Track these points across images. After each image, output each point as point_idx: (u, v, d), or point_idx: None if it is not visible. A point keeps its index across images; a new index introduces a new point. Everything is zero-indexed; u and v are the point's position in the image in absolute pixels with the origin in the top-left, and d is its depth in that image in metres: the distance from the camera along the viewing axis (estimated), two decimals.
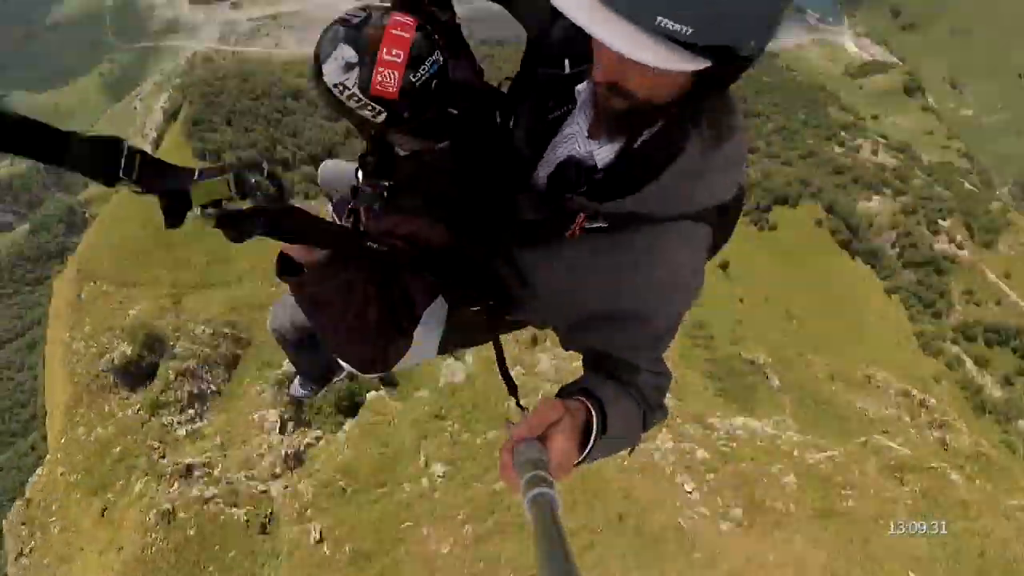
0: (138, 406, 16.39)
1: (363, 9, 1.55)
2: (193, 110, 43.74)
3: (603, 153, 1.37)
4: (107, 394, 17.75)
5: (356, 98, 1.49)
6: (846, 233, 35.47)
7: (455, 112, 1.60)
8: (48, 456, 17.55)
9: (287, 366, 18.40)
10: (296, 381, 3.31)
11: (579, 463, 1.25)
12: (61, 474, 15.19)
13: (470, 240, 1.58)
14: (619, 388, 1.42)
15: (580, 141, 1.40)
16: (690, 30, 0.98)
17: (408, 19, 1.49)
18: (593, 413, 1.27)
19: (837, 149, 56.66)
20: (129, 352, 18.32)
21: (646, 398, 1.47)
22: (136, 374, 18.03)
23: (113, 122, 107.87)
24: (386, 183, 1.65)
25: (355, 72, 1.47)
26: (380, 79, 1.47)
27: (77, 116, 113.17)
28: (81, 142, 0.96)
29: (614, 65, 1.17)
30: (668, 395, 1.49)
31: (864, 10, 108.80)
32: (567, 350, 1.59)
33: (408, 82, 1.48)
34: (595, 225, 1.34)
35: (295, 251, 1.39)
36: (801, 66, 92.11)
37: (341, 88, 1.49)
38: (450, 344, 1.93)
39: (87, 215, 75.66)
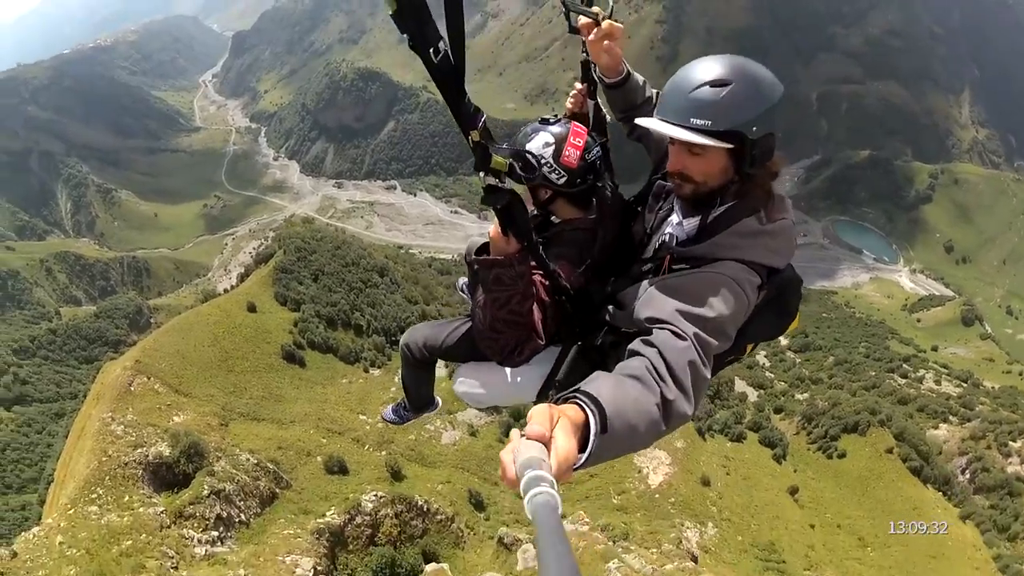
0: (162, 508, 16.29)
1: (555, 116, 2.54)
2: (285, 259, 47.07)
3: (688, 225, 2.18)
4: (131, 485, 17.79)
5: (549, 165, 2.40)
6: (917, 460, 34.65)
7: (606, 191, 2.59)
8: (48, 520, 17.15)
9: (329, 516, 18.25)
10: (390, 408, 3.98)
11: (584, 464, 1.33)
12: (60, 543, 14.89)
13: (598, 282, 2.40)
14: (625, 376, 1.60)
15: (675, 226, 2.24)
16: (709, 123, 1.90)
17: (582, 127, 2.51)
18: (589, 413, 1.38)
19: (900, 380, 56.41)
20: (167, 453, 18.61)
21: (667, 362, 1.65)
22: (166, 477, 18.14)
23: (202, 249, 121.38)
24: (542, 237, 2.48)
25: (551, 148, 2.40)
26: (567, 153, 2.40)
27: (171, 232, 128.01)
28: (477, 111, 1.70)
29: (677, 157, 2.08)
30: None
31: (919, 248, 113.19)
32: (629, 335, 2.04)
33: (583, 159, 2.41)
34: (677, 267, 2.05)
35: (499, 242, 2.16)
36: (859, 303, 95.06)
37: (539, 157, 2.39)
38: (549, 388, 2.55)
39: (152, 320, 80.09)
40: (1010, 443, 40.00)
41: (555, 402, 1.39)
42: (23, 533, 16.57)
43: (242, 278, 53.47)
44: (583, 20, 2.40)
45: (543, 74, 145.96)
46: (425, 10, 1.38)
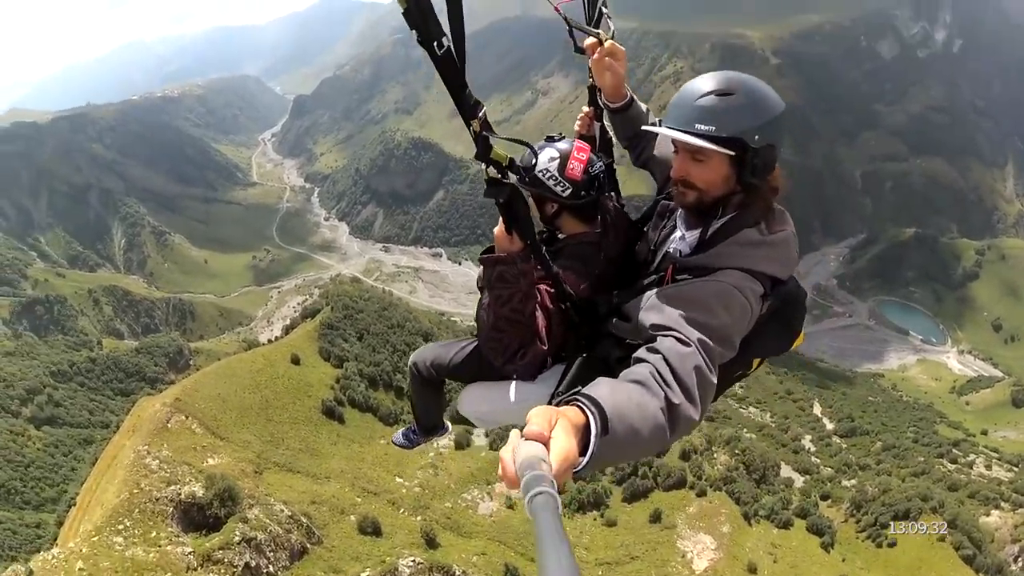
0: (191, 550, 15.84)
1: (560, 135, 2.67)
2: (332, 316, 47.91)
3: (690, 238, 2.24)
4: (159, 521, 17.46)
5: (555, 178, 2.52)
6: (970, 548, 32.48)
7: (610, 206, 2.70)
8: (70, 544, 16.80)
9: None
10: (400, 432, 4.03)
11: (587, 466, 1.32)
12: (80, 569, 14.51)
13: (604, 295, 2.45)
14: (630, 381, 1.60)
15: (678, 240, 2.30)
16: (713, 128, 1.99)
17: (585, 143, 2.64)
18: (589, 414, 1.37)
19: (950, 466, 54.26)
20: (200, 494, 18.28)
21: (672, 367, 1.66)
22: (196, 518, 17.78)
23: (247, 299, 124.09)
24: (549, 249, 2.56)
25: (556, 162, 2.53)
26: (571, 166, 2.52)
27: (219, 279, 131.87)
28: (477, 104, 1.84)
29: (681, 164, 2.15)
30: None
31: (967, 328, 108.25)
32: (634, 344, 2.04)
33: (586, 172, 2.54)
34: (680, 277, 2.10)
35: (503, 241, 2.26)
36: (907, 386, 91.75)
37: (545, 171, 2.52)
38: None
39: (191, 361, 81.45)
40: None
41: (556, 404, 1.38)
42: (42, 553, 16.30)
43: (287, 330, 54.35)
44: (588, 41, 2.49)
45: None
46: (430, 9, 1.50)
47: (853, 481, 45.79)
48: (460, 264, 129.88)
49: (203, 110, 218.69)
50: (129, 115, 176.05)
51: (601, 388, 1.49)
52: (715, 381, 1.76)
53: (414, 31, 1.53)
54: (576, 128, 2.99)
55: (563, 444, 1.17)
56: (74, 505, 36.02)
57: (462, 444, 35.02)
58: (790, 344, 2.40)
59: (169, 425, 28.77)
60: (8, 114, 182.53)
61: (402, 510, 26.38)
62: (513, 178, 2.17)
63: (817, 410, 72.55)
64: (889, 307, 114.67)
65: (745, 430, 50.18)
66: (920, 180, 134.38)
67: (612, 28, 2.56)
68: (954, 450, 60.04)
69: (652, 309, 1.97)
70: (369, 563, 19.64)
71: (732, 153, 2.02)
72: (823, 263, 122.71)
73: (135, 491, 18.92)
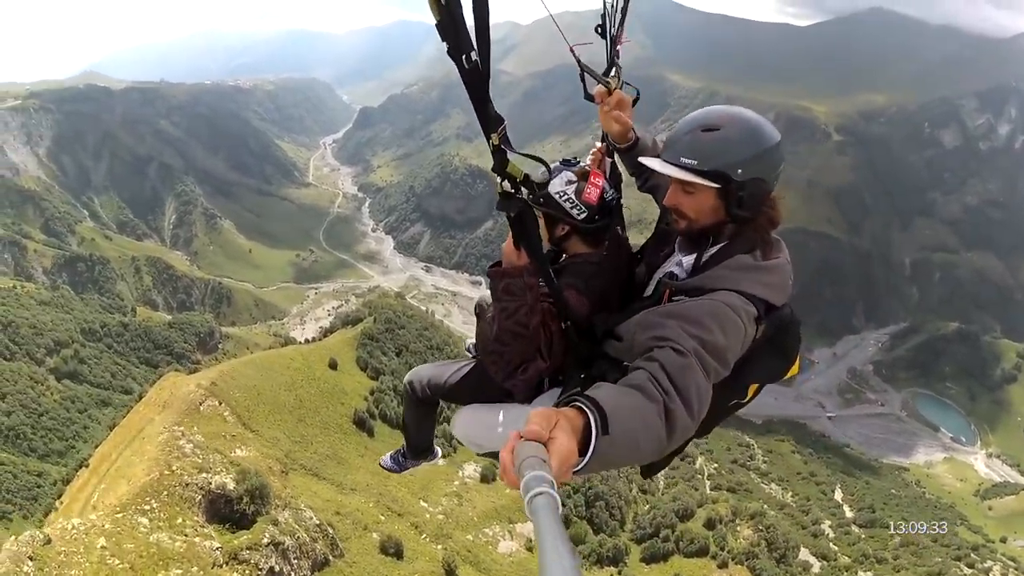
0: (218, 545, 15.55)
1: (575, 158, 2.75)
2: (374, 327, 48.22)
3: (686, 262, 2.30)
4: (186, 508, 17.21)
5: (571, 201, 2.58)
6: None
7: (619, 232, 2.72)
8: (91, 516, 16.58)
9: None
10: (388, 455, 3.95)
11: (586, 466, 1.32)
12: (102, 547, 14.25)
13: (603, 310, 2.46)
14: (628, 387, 1.61)
15: (674, 265, 2.35)
16: (696, 162, 2.08)
17: (600, 171, 2.70)
18: (589, 414, 1.37)
19: (966, 570, 52.64)
20: (231, 487, 18.04)
21: (669, 375, 1.66)
22: (222, 511, 17.50)
23: (284, 294, 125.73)
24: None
25: (573, 185, 2.60)
26: (588, 191, 2.58)
27: (260, 271, 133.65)
28: (499, 118, 1.83)
29: (672, 194, 2.25)
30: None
31: (999, 431, 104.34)
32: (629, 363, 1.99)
33: (601, 198, 2.59)
34: (676, 298, 2.12)
35: (511, 255, 2.28)
36: (930, 483, 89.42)
37: (562, 194, 2.59)
38: None
39: (220, 344, 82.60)
40: None
41: (555, 406, 1.41)
42: (61, 521, 16.10)
43: (326, 333, 54.76)
44: (597, 88, 2.58)
45: (640, 202, 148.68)
46: (462, 23, 1.54)
47: (870, 574, 44.97)
48: None
49: (271, 106, 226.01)
50: (199, 98, 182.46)
51: (600, 390, 1.52)
52: (711, 391, 1.77)
53: (445, 43, 1.56)
54: (588, 162, 3.00)
55: (563, 444, 1.18)
56: (85, 466, 36.25)
57: (488, 477, 34.53)
58: (784, 372, 2.38)
59: (201, 408, 28.81)
60: (83, 76, 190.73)
61: (424, 535, 25.89)
62: (526, 194, 2.18)
63: (838, 496, 71.06)
64: (923, 400, 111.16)
65: (766, 507, 48.83)
66: (969, 274, 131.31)
67: (621, 80, 2.65)
68: (972, 554, 57.94)
69: (648, 325, 1.98)
70: None
71: (717, 186, 2.09)
72: (861, 347, 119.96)
73: (166, 472, 18.68)
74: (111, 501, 18.29)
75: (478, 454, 3.36)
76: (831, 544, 50.16)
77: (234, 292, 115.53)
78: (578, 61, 2.47)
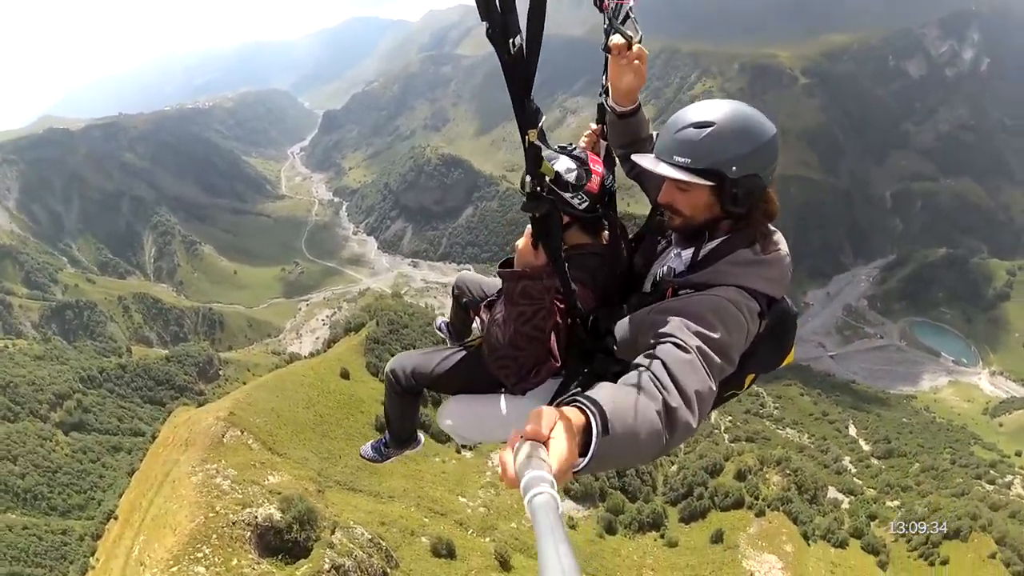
0: None
1: (572, 144, 2.63)
2: (377, 330, 47.91)
3: (685, 256, 2.28)
4: (238, 547, 17.09)
5: (572, 188, 2.50)
6: (1020, 565, 32.63)
7: (617, 219, 2.63)
8: (144, 573, 16.46)
9: None
10: (369, 444, 3.86)
11: (587, 466, 1.31)
12: None
13: (605, 303, 2.42)
14: (628, 385, 1.60)
15: (673, 258, 2.33)
16: (689, 160, 2.04)
17: (598, 156, 2.63)
18: (590, 414, 1.36)
19: (987, 487, 54.63)
20: (277, 517, 17.88)
21: (670, 372, 1.64)
22: (272, 542, 17.33)
23: (276, 311, 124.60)
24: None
25: (574, 173, 2.50)
26: (590, 180, 2.49)
27: (248, 290, 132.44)
28: (538, 112, 1.73)
29: (667, 191, 2.23)
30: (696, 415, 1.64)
31: (999, 349, 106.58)
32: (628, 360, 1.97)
33: (602, 185, 2.53)
34: (681, 292, 2.11)
35: (527, 255, 2.21)
36: (939, 408, 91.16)
37: (563, 182, 2.49)
38: None
39: (220, 371, 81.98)
40: None
41: (556, 406, 1.38)
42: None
43: (329, 344, 54.39)
44: (617, 41, 2.33)
45: (619, 171, 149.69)
46: (513, 3, 1.42)
47: (896, 502, 46.37)
48: None
49: (233, 122, 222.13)
50: (160, 125, 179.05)
51: (601, 391, 1.50)
52: (715, 389, 1.74)
53: (485, 23, 1.44)
54: (583, 144, 2.90)
55: (563, 444, 1.18)
56: (114, 518, 35.86)
57: None
58: (781, 361, 2.39)
59: (225, 440, 28.55)
60: (41, 121, 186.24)
61: (470, 531, 26.06)
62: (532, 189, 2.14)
63: (852, 431, 72.47)
64: (920, 328, 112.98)
65: (789, 452, 49.75)
66: (949, 200, 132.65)
67: (640, 33, 2.47)
68: (991, 471, 60.47)
69: (651, 324, 1.96)
70: None
71: (711, 184, 2.06)
72: (854, 284, 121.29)
73: (210, 514, 18.57)
74: (161, 555, 18.16)
75: (462, 445, 3.26)
76: (855, 479, 51.63)
77: (225, 316, 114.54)
78: (608, 16, 2.31)
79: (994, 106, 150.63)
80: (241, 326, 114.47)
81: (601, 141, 2.87)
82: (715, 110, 2.05)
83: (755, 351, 2.11)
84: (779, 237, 2.24)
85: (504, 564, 22.65)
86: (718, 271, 2.09)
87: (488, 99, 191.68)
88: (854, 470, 55.92)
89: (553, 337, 2.35)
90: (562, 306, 2.35)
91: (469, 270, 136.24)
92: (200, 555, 16.92)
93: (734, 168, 2.03)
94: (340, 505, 23.58)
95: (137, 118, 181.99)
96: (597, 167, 2.54)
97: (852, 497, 44.50)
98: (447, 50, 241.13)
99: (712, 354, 1.78)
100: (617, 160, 2.82)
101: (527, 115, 1.68)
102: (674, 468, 41.88)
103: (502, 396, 2.69)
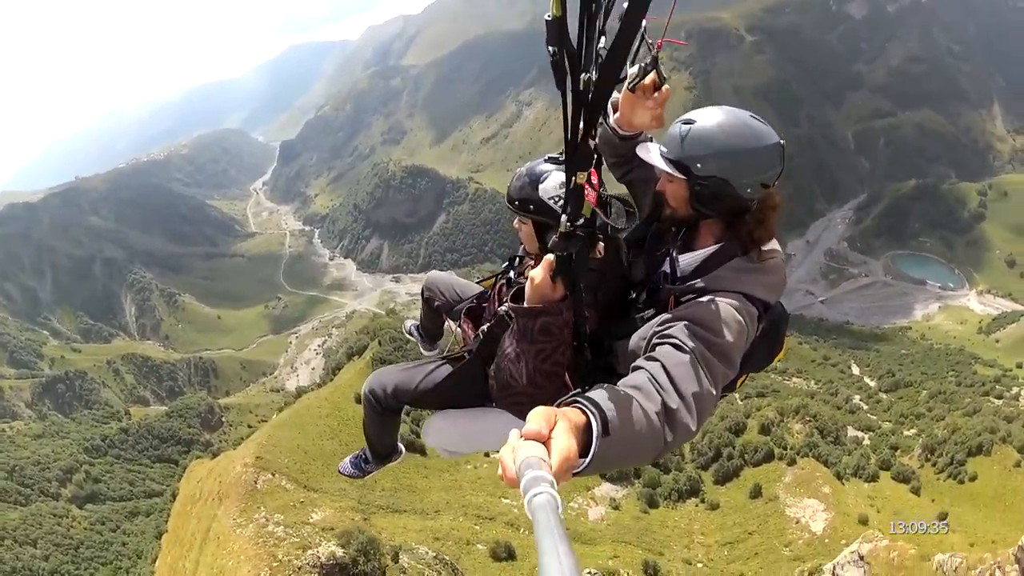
0: None
1: (561, 155, 2.37)
2: (381, 351, 47.04)
3: (683, 263, 2.27)
4: None
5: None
6: None
7: (614, 232, 2.54)
8: None
9: None
10: (348, 460, 3.80)
11: (587, 467, 1.32)
12: None
13: (609, 318, 2.39)
14: (627, 387, 1.61)
15: (669, 264, 2.32)
16: (665, 149, 2.16)
17: (594, 168, 2.37)
18: (591, 415, 1.37)
19: (997, 401, 55.37)
20: (340, 553, 17.74)
21: (669, 373, 1.66)
22: None
23: (266, 348, 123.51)
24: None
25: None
26: (586, 193, 2.19)
27: (235, 333, 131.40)
28: (589, 154, 1.74)
29: (660, 182, 2.29)
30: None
31: (982, 269, 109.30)
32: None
33: (599, 198, 2.31)
34: (683, 299, 2.12)
35: (544, 289, 2.02)
36: (935, 334, 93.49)
37: (556, 199, 2.41)
38: None
39: (223, 418, 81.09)
40: None
41: (556, 406, 1.37)
42: None
43: (333, 371, 53.99)
44: (645, 82, 2.20)
45: None
46: (596, 31, 1.35)
47: (913, 430, 47.35)
48: None
49: (191, 168, 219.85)
50: (119, 183, 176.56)
51: (600, 392, 1.50)
52: (715, 393, 1.74)
53: (552, 48, 1.34)
54: None
55: (564, 444, 1.16)
56: None
57: None
58: (773, 359, 2.45)
59: (259, 485, 28.25)
60: None
61: (522, 530, 26.15)
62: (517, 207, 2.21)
63: (856, 371, 73.66)
64: (903, 260, 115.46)
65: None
66: (911, 132, 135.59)
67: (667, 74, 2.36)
68: (997, 386, 61.45)
69: (656, 333, 1.94)
70: None
71: (681, 176, 2.12)
72: (831, 228, 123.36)
73: (274, 564, 18.22)
74: None
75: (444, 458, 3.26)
76: (869, 415, 52.60)
77: (217, 362, 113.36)
78: (653, 55, 2.16)
79: (941, 35, 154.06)
80: (235, 370, 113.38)
81: (591, 142, 2.67)
82: (705, 112, 2.12)
83: (752, 353, 2.14)
84: (774, 243, 2.25)
85: None
86: (719, 277, 2.11)
87: (442, 105, 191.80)
88: (866, 407, 56.88)
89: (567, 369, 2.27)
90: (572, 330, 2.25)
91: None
92: None
93: (699, 165, 2.08)
94: (390, 529, 23.49)
95: (94, 179, 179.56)
96: (593, 179, 2.32)
97: (871, 433, 45.31)
98: (393, 63, 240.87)
99: (714, 359, 1.79)
100: (606, 164, 2.67)
101: (585, 157, 1.64)
102: (698, 434, 42.35)
103: (491, 410, 2.61)
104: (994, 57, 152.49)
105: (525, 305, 2.06)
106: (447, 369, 2.79)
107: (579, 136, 1.54)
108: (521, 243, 2.89)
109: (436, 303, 3.58)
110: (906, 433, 46.88)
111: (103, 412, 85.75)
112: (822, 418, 40.52)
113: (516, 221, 2.60)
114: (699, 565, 28.19)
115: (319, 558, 17.67)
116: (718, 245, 2.20)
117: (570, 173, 1.69)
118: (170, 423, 75.60)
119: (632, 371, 1.74)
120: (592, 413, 1.38)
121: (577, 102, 1.45)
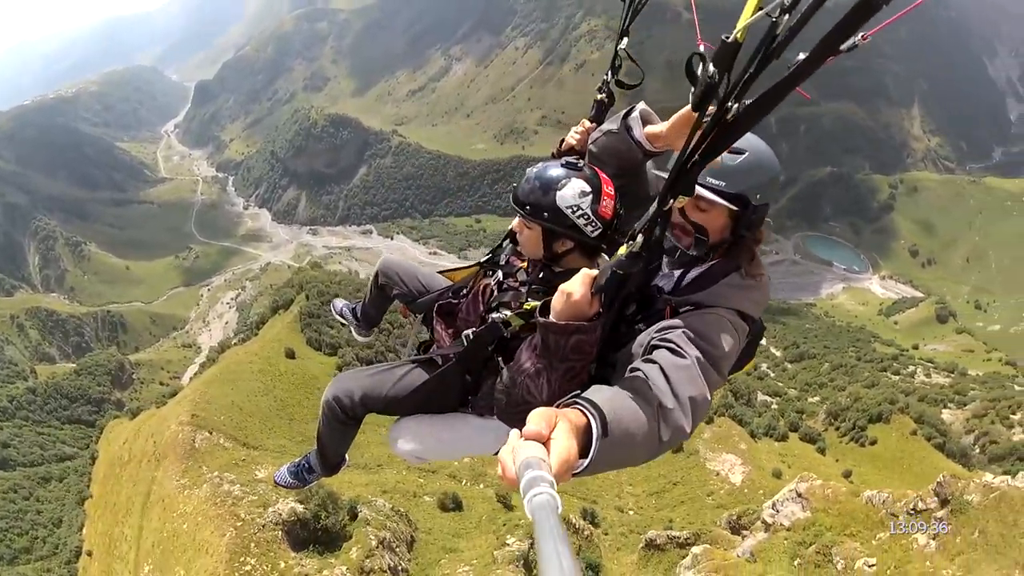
0: (343, 566, 15.50)
1: (577, 159, 2.40)
2: (308, 304, 46.71)
3: (678, 276, 2.27)
4: (278, 550, 16.81)
5: (586, 216, 2.26)
6: (939, 437, 37.47)
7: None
8: None
9: (513, 543, 18.08)
10: (284, 468, 3.53)
11: (586, 468, 1.35)
12: None
13: (613, 325, 2.22)
14: (624, 389, 1.64)
15: (663, 277, 2.31)
16: (723, 184, 2.09)
17: (607, 175, 2.36)
18: (590, 416, 1.40)
19: (894, 377, 60.08)
20: (300, 509, 17.82)
21: (666, 375, 1.69)
22: (300, 535, 17.20)
23: (177, 301, 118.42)
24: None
25: (588, 197, 2.26)
26: (604, 204, 2.28)
27: (144, 285, 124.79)
28: (690, 184, 1.57)
29: (688, 211, 2.21)
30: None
31: (886, 256, 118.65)
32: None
33: (616, 211, 2.31)
34: (682, 310, 2.13)
35: (583, 305, 1.85)
36: (837, 312, 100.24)
37: (575, 208, 2.25)
38: None
39: (135, 375, 77.22)
40: (1011, 416, 43.16)
41: (556, 406, 1.41)
42: None
43: (258, 325, 52.57)
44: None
45: (511, 114, 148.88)
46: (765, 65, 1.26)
47: (816, 398, 51.12)
48: (392, 239, 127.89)
49: (100, 107, 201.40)
50: (23, 121, 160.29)
51: (598, 393, 1.55)
52: (709, 399, 1.77)
53: (715, 71, 1.29)
54: (571, 142, 2.77)
55: (563, 445, 1.17)
56: (87, 553, 33.90)
57: None
58: (742, 368, 2.50)
59: (197, 445, 27.71)
60: None
61: (464, 481, 27.02)
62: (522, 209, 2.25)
63: (763, 341, 78.11)
64: (813, 241, 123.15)
65: None
66: (832, 122, 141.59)
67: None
68: (895, 363, 66.72)
69: (652, 335, 1.99)
70: (490, 533, 20.20)
71: (735, 208, 2.13)
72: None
73: (238, 524, 18.01)
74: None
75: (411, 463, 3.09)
76: (776, 382, 56.64)
77: (126, 316, 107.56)
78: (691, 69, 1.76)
79: (875, 35, 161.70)
80: (144, 324, 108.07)
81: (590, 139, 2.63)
82: (745, 140, 2.04)
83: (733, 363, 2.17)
84: (761, 260, 2.31)
85: (507, 506, 23.84)
86: (717, 293, 2.13)
87: (368, 54, 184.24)
88: (773, 375, 61.21)
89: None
90: None
91: (371, 231, 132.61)
92: (247, 568, 16.44)
93: (759, 196, 2.13)
94: (337, 484, 23.73)
95: None
96: (608, 188, 2.30)
97: (778, 398, 49.16)
98: (320, 4, 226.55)
99: (710, 367, 1.83)
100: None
101: (687, 183, 1.55)
102: None
103: (467, 415, 2.55)
104: (920, 61, 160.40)
105: (560, 321, 1.89)
106: (421, 374, 2.63)
107: (693, 162, 1.46)
108: (503, 244, 2.86)
109: (394, 291, 3.36)
110: (810, 400, 50.64)
111: (8, 371, 78.94)
112: (735, 382, 43.10)
113: (517, 223, 2.44)
114: (631, 512, 30.11)
115: (280, 515, 17.76)
116: (714, 261, 2.25)
117: (669, 195, 1.57)
118: (79, 381, 70.86)
119: (629, 372, 1.77)
120: (592, 414, 1.41)
121: (711, 127, 1.36)
